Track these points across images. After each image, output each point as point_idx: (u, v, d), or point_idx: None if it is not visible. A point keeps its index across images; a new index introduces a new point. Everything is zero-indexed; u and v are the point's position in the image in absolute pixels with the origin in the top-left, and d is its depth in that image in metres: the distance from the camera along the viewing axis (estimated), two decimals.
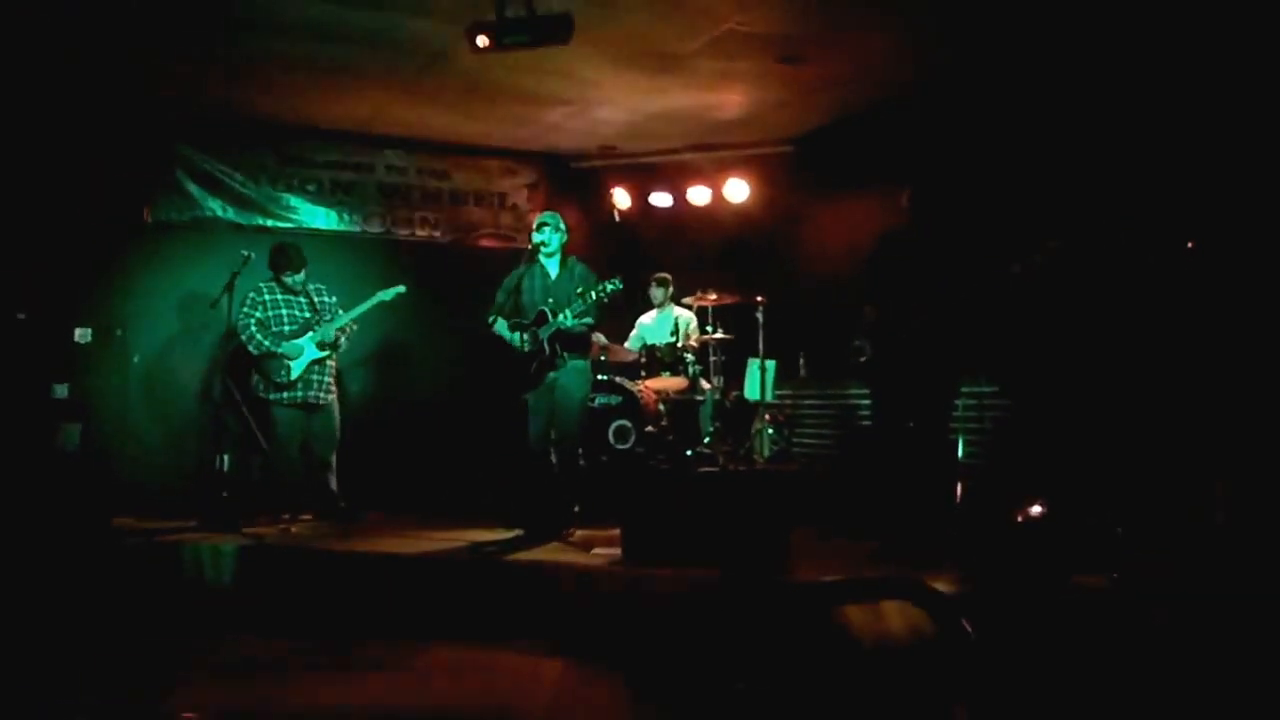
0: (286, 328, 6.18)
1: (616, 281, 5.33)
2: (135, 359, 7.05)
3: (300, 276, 6.25)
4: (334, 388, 6.35)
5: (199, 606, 4.95)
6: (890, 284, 5.12)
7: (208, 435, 6.59)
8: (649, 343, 7.21)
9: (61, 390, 6.51)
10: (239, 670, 4.14)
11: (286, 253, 6.23)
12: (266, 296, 6.21)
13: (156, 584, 5.06)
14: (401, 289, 6.32)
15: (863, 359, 5.23)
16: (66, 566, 5.06)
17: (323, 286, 6.42)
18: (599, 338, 6.62)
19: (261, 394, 6.16)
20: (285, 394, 6.12)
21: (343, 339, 6.30)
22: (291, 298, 6.26)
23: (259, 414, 6.33)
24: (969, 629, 1.93)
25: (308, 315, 6.25)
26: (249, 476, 6.62)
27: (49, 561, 5.06)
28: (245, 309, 6.13)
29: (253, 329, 6.10)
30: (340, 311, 6.32)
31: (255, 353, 6.11)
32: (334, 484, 6.29)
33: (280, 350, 6.09)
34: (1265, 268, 4.49)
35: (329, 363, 6.28)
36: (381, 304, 6.34)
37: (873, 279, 5.24)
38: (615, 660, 4.08)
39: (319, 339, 6.18)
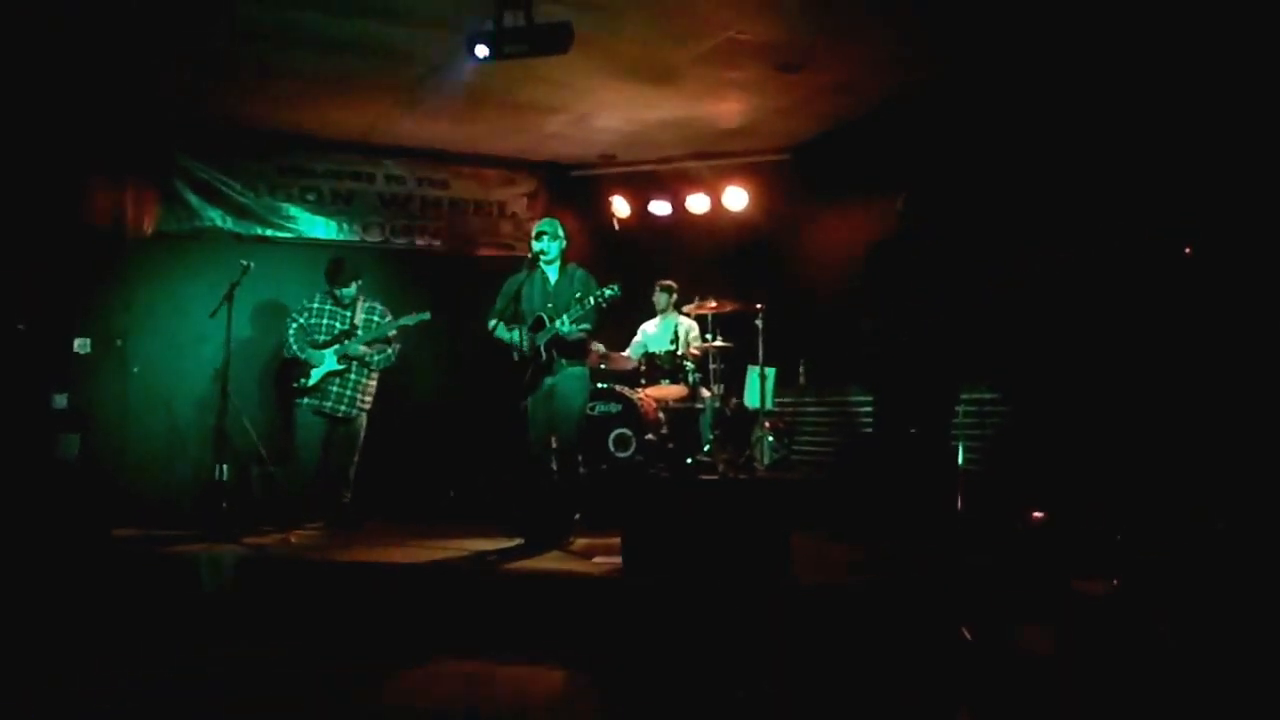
0: (322, 337, 6.37)
1: (614, 288, 5.34)
2: (135, 369, 7.05)
3: (351, 290, 6.42)
4: (363, 403, 6.43)
5: (199, 617, 4.94)
6: (888, 292, 5.12)
7: (207, 445, 6.60)
8: (650, 350, 7.23)
9: (61, 400, 6.52)
10: (235, 679, 4.13)
11: (338, 265, 6.45)
12: (315, 305, 6.44)
13: (157, 595, 5.04)
14: (426, 315, 6.41)
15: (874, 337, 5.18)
16: (67, 577, 5.05)
17: (376, 305, 6.55)
18: (598, 347, 6.63)
19: (293, 398, 6.38)
20: (305, 400, 6.30)
21: (373, 357, 6.39)
22: (338, 310, 6.43)
23: (288, 417, 6.51)
24: (969, 635, 1.94)
25: (344, 329, 6.38)
26: (249, 487, 6.62)
27: (49, 572, 5.05)
28: (293, 314, 6.45)
29: (290, 332, 6.38)
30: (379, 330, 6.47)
31: (286, 355, 6.43)
32: (347, 496, 6.38)
33: (304, 356, 6.30)
34: (1262, 272, 4.49)
35: (354, 377, 6.37)
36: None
37: (869, 289, 5.24)
38: (616, 669, 4.07)
39: (341, 352, 6.31)
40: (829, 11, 5.24)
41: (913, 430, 5.07)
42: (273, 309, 7.07)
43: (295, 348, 6.32)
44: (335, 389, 6.31)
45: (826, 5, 5.17)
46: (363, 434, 6.46)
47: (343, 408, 6.32)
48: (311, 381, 6.26)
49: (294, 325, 6.38)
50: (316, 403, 6.29)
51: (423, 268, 7.84)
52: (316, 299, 6.45)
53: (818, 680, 3.70)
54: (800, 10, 5.23)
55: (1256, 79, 4.58)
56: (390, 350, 6.49)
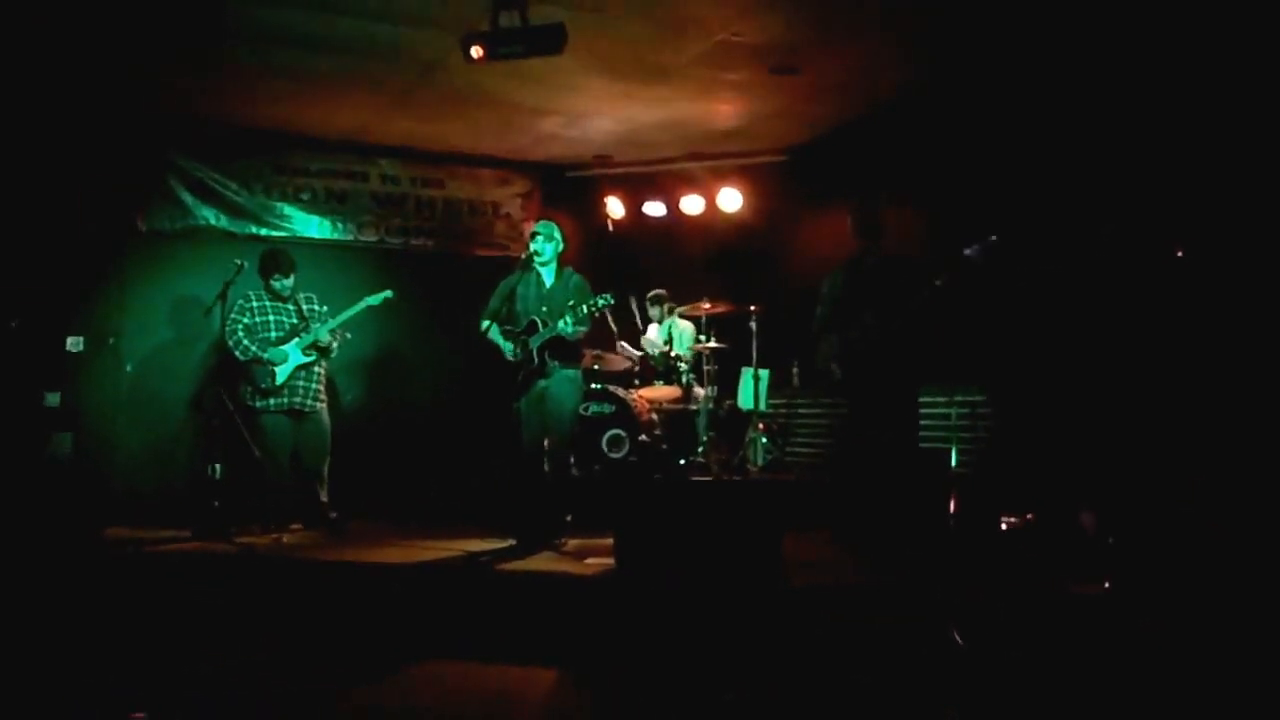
0: (273, 334, 6.17)
1: (607, 297, 5.39)
2: (128, 368, 7.03)
3: (289, 282, 6.24)
4: (323, 395, 6.32)
5: (189, 617, 4.93)
6: (848, 305, 5.21)
7: (200, 444, 6.57)
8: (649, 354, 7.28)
9: (54, 399, 6.49)
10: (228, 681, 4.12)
11: (275, 256, 6.25)
12: (255, 303, 6.22)
13: (148, 594, 5.03)
14: (389, 294, 6.32)
15: (836, 380, 5.33)
16: (58, 576, 5.04)
17: (313, 295, 6.41)
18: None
19: (249, 402, 6.12)
20: (271, 400, 6.10)
21: (334, 344, 6.26)
22: (280, 304, 6.26)
23: (250, 423, 6.25)
24: (958, 638, 1.94)
25: (295, 322, 6.24)
26: (241, 486, 6.60)
27: (40, 571, 5.03)
28: (234, 315, 6.13)
29: (239, 334, 6.10)
30: (329, 319, 6.32)
31: (242, 358, 6.09)
32: (324, 495, 6.25)
33: (265, 356, 6.07)
34: (1254, 274, 4.51)
35: (316, 369, 6.25)
36: (372, 310, 6.34)
37: (830, 308, 5.34)
38: (608, 670, 4.07)
39: (305, 344, 6.15)
40: (824, 14, 5.26)
41: (886, 435, 5.14)
42: None
43: (254, 349, 6.06)
44: (302, 383, 6.15)
45: (821, 8, 5.18)
46: (330, 426, 6.32)
47: (309, 401, 6.17)
48: (280, 380, 6.06)
49: (240, 326, 6.10)
50: (285, 401, 6.10)
51: (417, 268, 7.82)
52: (253, 297, 6.20)
53: (808, 682, 3.71)
54: (795, 13, 5.24)
55: (1232, 82, 4.61)
56: (343, 338, 6.32)
